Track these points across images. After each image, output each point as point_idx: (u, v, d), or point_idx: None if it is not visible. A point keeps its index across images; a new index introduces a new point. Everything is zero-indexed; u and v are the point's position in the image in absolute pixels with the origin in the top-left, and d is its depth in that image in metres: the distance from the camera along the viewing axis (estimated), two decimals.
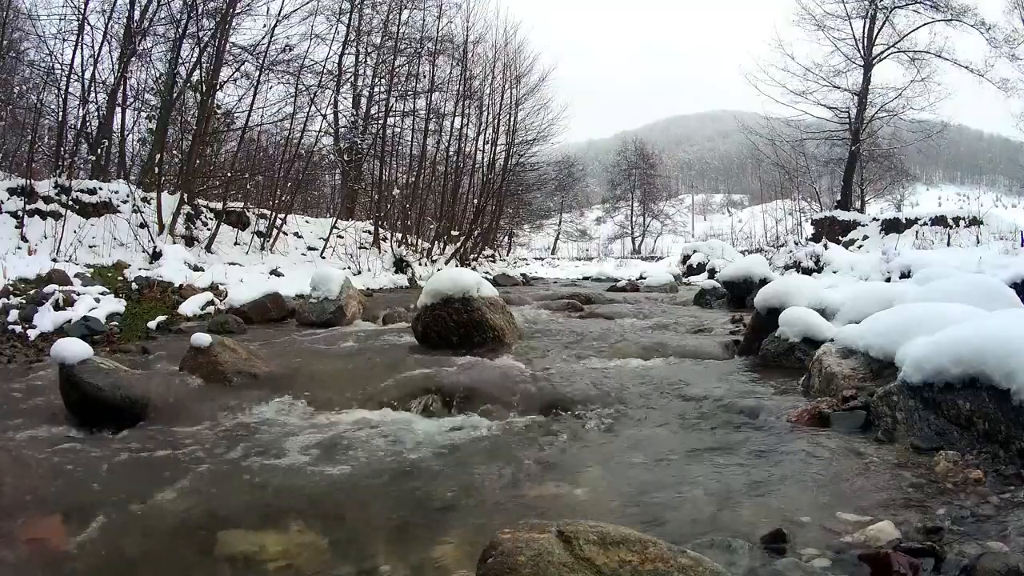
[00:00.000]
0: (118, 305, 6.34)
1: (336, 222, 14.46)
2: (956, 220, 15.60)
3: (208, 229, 11.17)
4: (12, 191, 8.55)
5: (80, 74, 10.80)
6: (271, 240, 12.30)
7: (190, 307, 6.91)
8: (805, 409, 2.89)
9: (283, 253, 12.33)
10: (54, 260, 7.45)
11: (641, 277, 14.89)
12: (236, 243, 11.73)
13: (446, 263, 16.43)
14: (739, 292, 8.44)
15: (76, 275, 6.86)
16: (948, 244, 13.67)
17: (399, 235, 16.04)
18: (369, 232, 15.27)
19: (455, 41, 18.04)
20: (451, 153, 18.81)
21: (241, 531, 2.00)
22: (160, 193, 10.26)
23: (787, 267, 12.71)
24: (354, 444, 2.77)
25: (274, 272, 10.03)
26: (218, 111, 13.08)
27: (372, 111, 17.08)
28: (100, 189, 9.85)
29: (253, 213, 12.59)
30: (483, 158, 20.56)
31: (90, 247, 8.64)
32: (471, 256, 19.37)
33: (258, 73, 12.55)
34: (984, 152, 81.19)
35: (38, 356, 4.79)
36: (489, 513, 2.09)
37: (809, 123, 21.53)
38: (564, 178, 34.02)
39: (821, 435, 2.64)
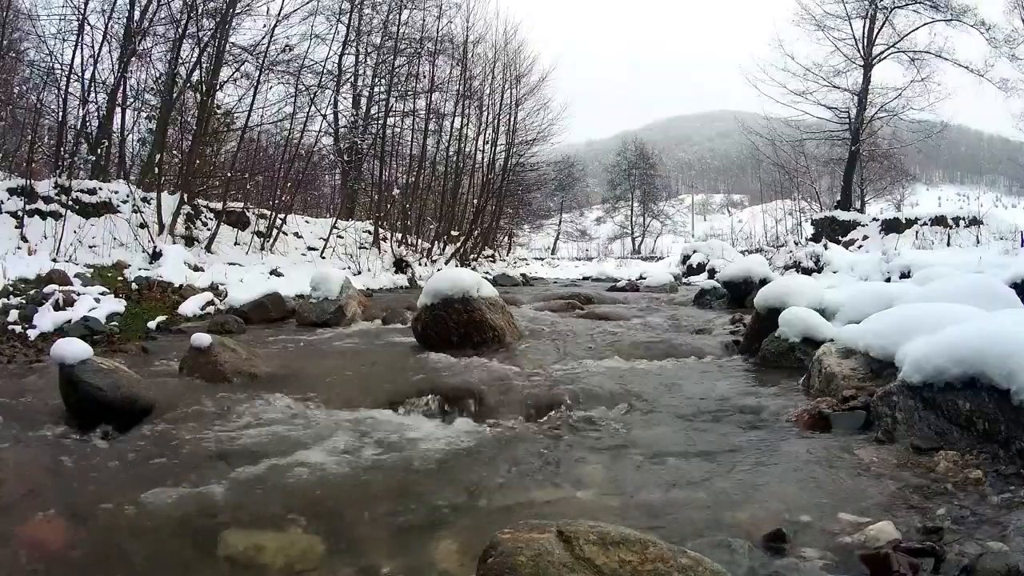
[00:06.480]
0: (118, 305, 6.34)
1: (336, 222, 14.46)
2: (956, 220, 15.60)
3: (208, 229, 11.17)
4: (12, 191, 8.54)
5: (80, 74, 10.81)
6: (271, 240, 12.30)
7: (190, 307, 6.90)
8: (805, 409, 2.89)
9: (283, 253, 12.32)
10: (54, 260, 7.44)
11: (641, 277, 14.88)
12: (236, 243, 11.73)
13: (446, 263, 16.42)
14: (739, 292, 8.44)
15: (76, 275, 6.85)
16: (948, 244, 13.69)
17: (399, 235, 16.04)
18: (369, 232, 15.26)
19: (455, 41, 18.05)
20: (451, 153, 18.81)
21: (241, 531, 2.00)
22: (160, 193, 10.26)
23: (787, 267, 12.71)
24: (354, 444, 2.77)
25: (274, 272, 10.03)
26: (218, 111, 13.09)
27: (372, 111, 17.09)
28: (100, 189, 9.84)
29: (253, 213, 12.59)
30: (483, 158, 20.57)
31: (90, 247, 8.63)
32: (471, 256, 19.36)
33: (258, 73, 12.57)
34: (984, 152, 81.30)
35: (38, 356, 4.78)
36: (489, 513, 2.09)
37: (809, 123, 21.53)
38: (564, 178, 34.06)
39: (821, 435, 2.64)
